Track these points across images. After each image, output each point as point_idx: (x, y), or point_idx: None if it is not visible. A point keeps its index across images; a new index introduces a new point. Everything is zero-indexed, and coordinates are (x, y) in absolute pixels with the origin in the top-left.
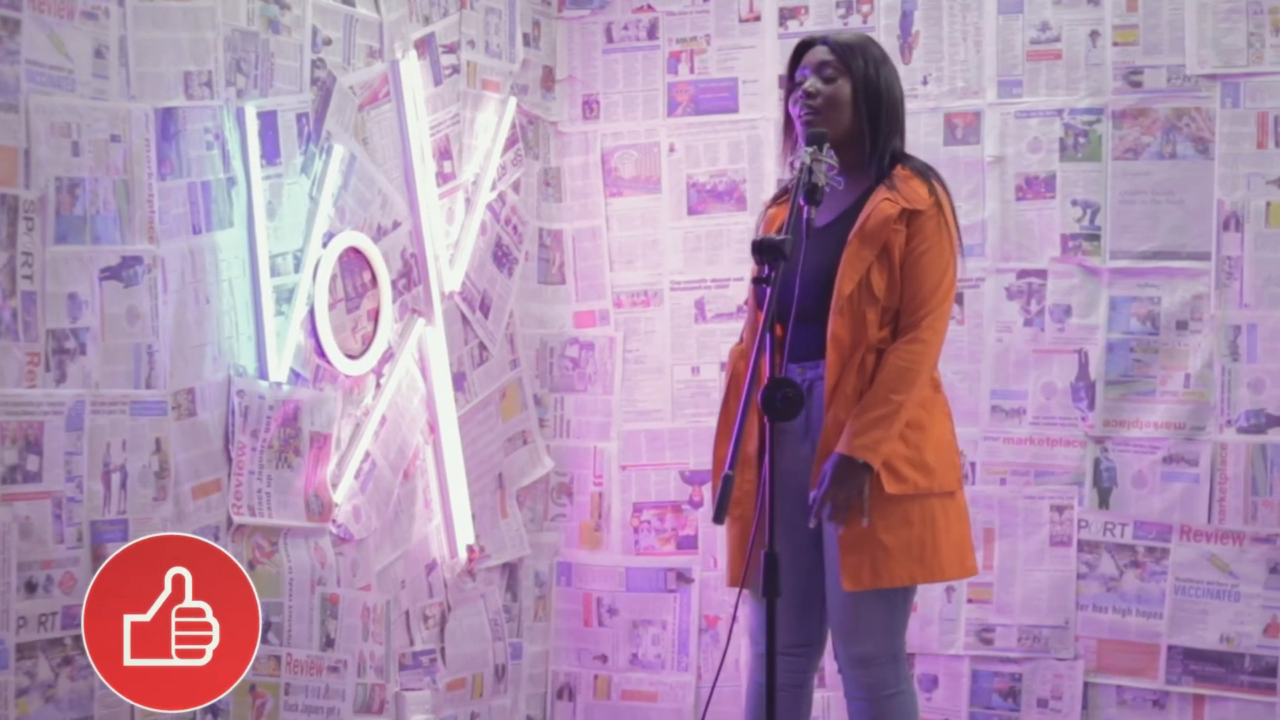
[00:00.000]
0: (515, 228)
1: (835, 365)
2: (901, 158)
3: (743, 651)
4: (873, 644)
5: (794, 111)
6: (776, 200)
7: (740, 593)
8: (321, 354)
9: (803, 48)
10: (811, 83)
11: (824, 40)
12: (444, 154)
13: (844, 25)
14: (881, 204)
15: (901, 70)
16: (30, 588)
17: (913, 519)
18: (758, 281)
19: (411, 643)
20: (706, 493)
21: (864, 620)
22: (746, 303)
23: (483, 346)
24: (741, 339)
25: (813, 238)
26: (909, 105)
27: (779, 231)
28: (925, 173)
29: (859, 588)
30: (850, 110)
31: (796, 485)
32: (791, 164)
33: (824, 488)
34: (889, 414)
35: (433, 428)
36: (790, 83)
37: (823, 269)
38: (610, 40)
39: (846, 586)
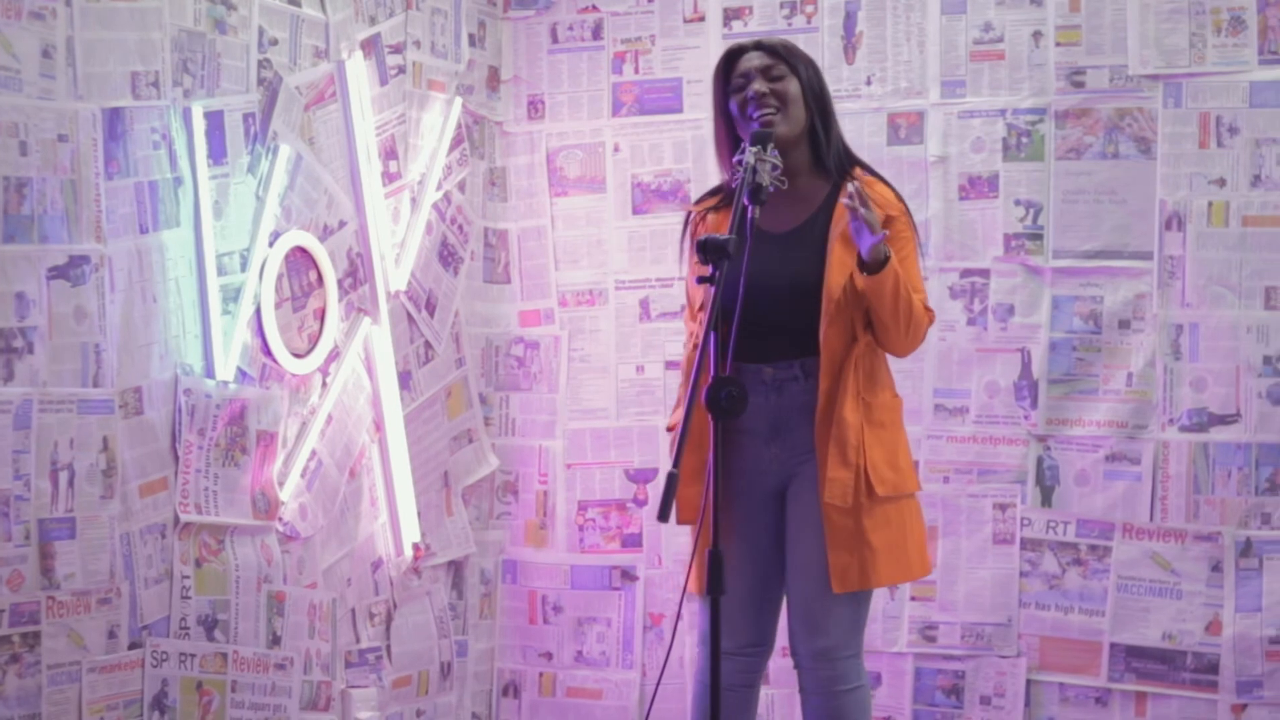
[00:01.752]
0: (461, 227)
1: (830, 368)
2: (855, 158)
3: (688, 649)
4: (836, 638)
5: (746, 114)
6: (715, 205)
7: (684, 592)
8: (268, 353)
9: (733, 55)
10: (760, 84)
11: (757, 45)
12: (390, 154)
13: (788, 26)
14: None
15: (845, 71)
16: None
17: (891, 519)
18: (703, 281)
19: (357, 640)
20: (652, 491)
21: (833, 615)
22: (701, 306)
23: (428, 345)
24: (697, 343)
25: (780, 244)
26: (853, 105)
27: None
28: (882, 177)
29: (848, 589)
30: (803, 108)
31: (759, 487)
32: (739, 162)
33: (867, 219)
34: (906, 293)
35: (378, 426)
36: (724, 91)
37: (799, 273)
38: (555, 40)
39: (836, 588)
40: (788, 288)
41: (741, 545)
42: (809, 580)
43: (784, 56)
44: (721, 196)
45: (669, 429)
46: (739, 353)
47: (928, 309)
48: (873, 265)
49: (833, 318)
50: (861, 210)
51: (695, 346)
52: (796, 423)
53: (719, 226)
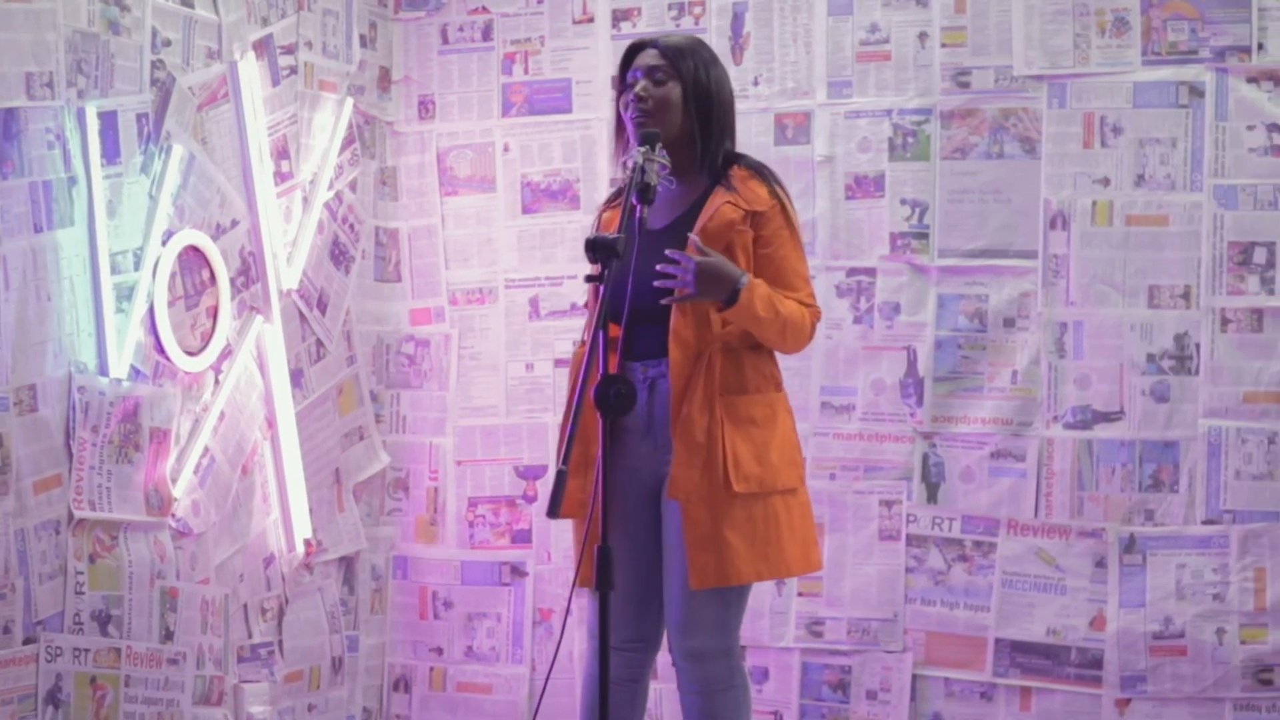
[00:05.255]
0: (352, 226)
1: (681, 364)
2: (735, 157)
3: (578, 644)
4: (708, 638)
5: (625, 114)
6: (610, 203)
7: (574, 587)
8: (161, 351)
9: (634, 50)
10: (642, 86)
11: (654, 43)
12: (282, 154)
13: (676, 26)
14: (723, 207)
15: (733, 71)
16: None
17: (756, 516)
18: (590, 279)
19: (250, 635)
20: (541, 488)
21: (700, 615)
22: (586, 304)
23: (320, 343)
24: (584, 340)
25: (652, 239)
26: (740, 106)
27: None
28: (762, 172)
29: (705, 585)
30: (680, 112)
31: (638, 482)
32: (625, 164)
33: (704, 262)
34: (775, 314)
35: (271, 423)
36: (621, 84)
37: (664, 270)
38: (446, 41)
39: (694, 585)
40: (652, 285)
41: (623, 541)
42: (678, 580)
43: (673, 59)
44: (616, 194)
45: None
46: (622, 350)
47: (810, 305)
48: (726, 303)
49: (684, 311)
50: (682, 283)
51: (582, 344)
52: (665, 420)
53: (611, 224)
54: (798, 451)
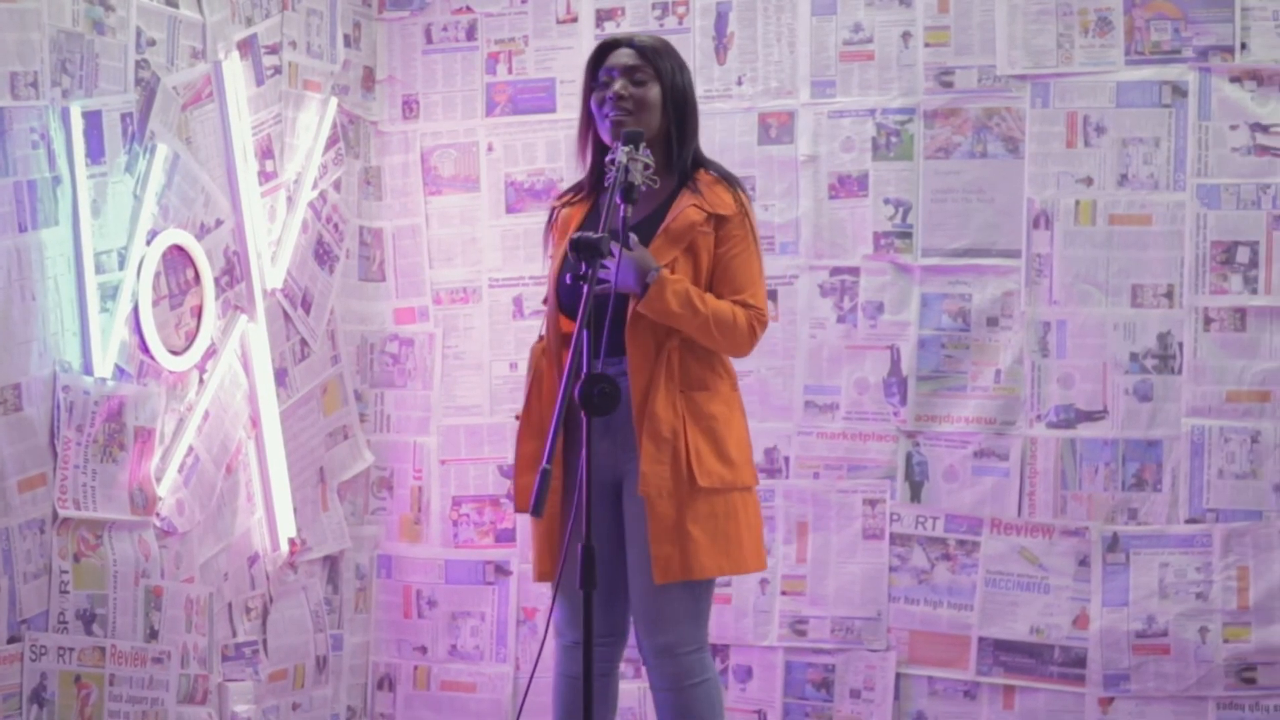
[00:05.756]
0: (336, 226)
1: (640, 361)
2: (702, 161)
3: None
4: (677, 634)
5: (601, 112)
6: (567, 199)
7: (557, 586)
8: (145, 350)
9: (605, 48)
10: (622, 85)
11: (629, 42)
12: (266, 153)
13: (660, 27)
14: (688, 209)
15: (716, 71)
16: None
17: (718, 512)
18: (577, 279)
19: (234, 634)
20: None
21: (668, 611)
22: (545, 300)
23: (304, 343)
24: (541, 336)
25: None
26: (723, 105)
27: (587, 230)
28: (728, 179)
29: (669, 579)
30: (659, 113)
31: (597, 480)
32: (612, 161)
33: (624, 253)
34: (694, 311)
35: (255, 422)
36: (591, 82)
37: None
38: (430, 41)
39: (657, 579)
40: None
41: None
42: (644, 577)
43: (651, 59)
44: (583, 191)
45: (517, 417)
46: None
47: (751, 306)
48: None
49: (640, 314)
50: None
51: (540, 339)
52: (625, 418)
53: (571, 220)
54: (751, 450)
